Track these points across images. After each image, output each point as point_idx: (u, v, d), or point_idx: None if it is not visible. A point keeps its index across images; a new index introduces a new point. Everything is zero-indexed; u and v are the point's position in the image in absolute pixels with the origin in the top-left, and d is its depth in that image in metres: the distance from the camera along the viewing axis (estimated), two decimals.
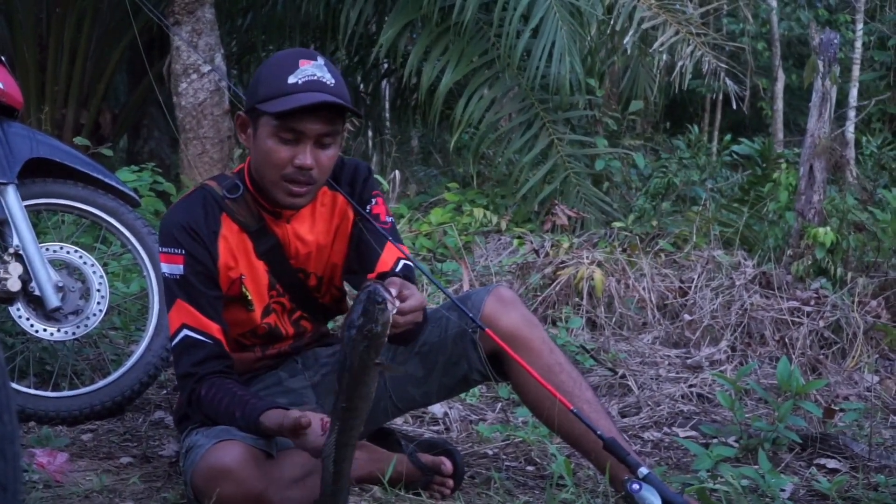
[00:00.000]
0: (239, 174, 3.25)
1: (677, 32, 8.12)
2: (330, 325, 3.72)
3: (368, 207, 3.30)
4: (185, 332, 3.11)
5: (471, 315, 3.20)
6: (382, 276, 3.16)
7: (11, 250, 3.98)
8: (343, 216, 3.31)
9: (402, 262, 3.26)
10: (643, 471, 2.88)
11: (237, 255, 3.20)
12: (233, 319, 3.24)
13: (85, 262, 4.17)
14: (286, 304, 3.34)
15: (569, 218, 7.24)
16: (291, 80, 3.00)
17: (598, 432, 3.03)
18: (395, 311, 2.66)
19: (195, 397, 3.09)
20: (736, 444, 3.93)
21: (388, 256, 3.26)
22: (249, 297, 3.24)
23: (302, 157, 3.03)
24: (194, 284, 3.12)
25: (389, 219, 3.35)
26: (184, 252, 3.11)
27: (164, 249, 3.14)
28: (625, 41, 8.45)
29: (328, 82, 3.03)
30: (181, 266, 3.11)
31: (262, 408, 2.95)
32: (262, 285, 3.26)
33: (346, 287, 3.43)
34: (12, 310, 4.02)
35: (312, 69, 3.03)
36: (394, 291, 2.72)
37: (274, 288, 3.29)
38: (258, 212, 3.21)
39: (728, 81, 8.46)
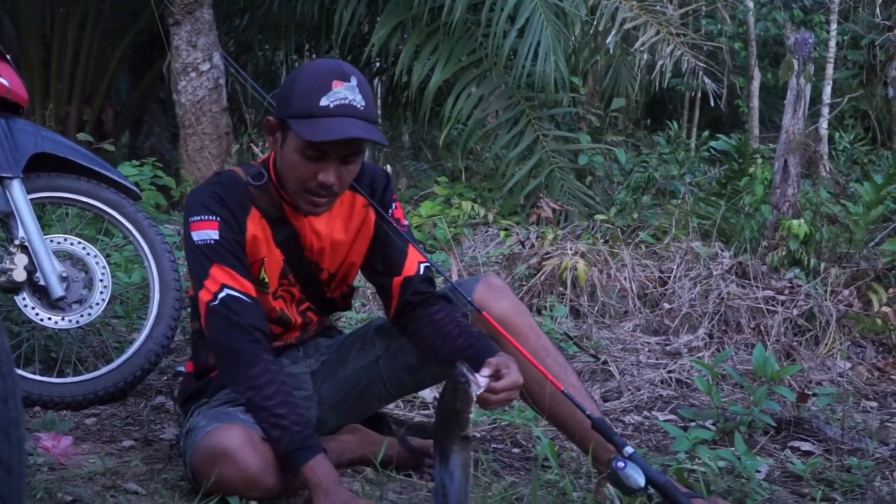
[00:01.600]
0: (264, 164, 3.21)
1: (658, 33, 8.13)
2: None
3: (389, 212, 3.29)
4: (227, 291, 3.02)
5: (472, 303, 3.20)
6: (408, 282, 3.24)
7: (17, 242, 3.96)
8: (363, 217, 3.29)
9: (422, 267, 3.28)
10: (628, 450, 2.88)
11: (260, 237, 3.15)
12: None
13: (88, 254, 4.16)
14: (296, 294, 3.33)
15: (553, 211, 7.24)
16: (323, 102, 2.93)
17: (587, 412, 3.04)
18: (481, 390, 2.79)
19: (240, 355, 3.00)
20: (713, 428, 3.94)
21: (412, 261, 3.27)
22: (267, 280, 3.21)
23: (325, 176, 2.99)
24: (230, 248, 3.05)
25: (406, 223, 3.35)
26: (218, 218, 3.04)
27: (196, 218, 3.05)
28: (607, 41, 8.45)
29: (359, 105, 2.96)
30: (216, 231, 3.03)
31: (315, 448, 2.91)
32: (275, 272, 3.24)
33: (358, 283, 3.42)
34: (18, 299, 4.01)
35: (345, 92, 2.95)
36: (486, 371, 2.84)
37: (286, 277, 3.26)
38: (279, 202, 3.18)
39: (706, 80, 8.47)
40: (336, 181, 3.02)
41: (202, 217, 3.06)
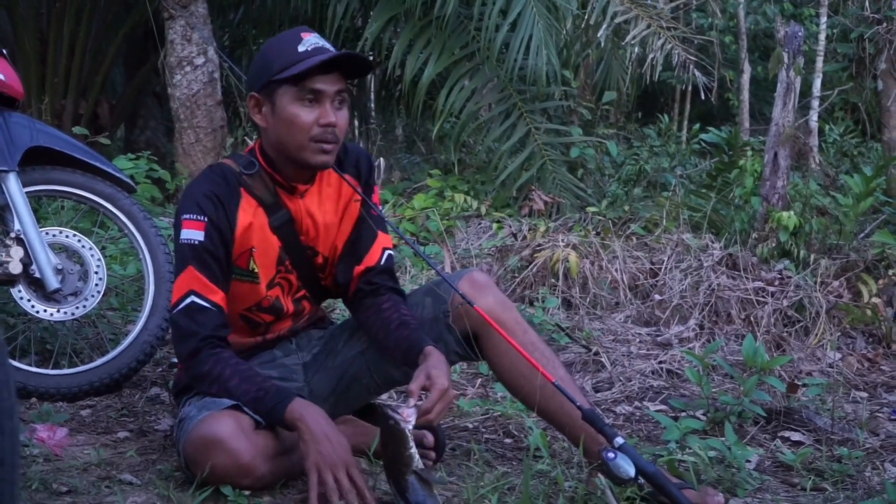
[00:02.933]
0: (252, 153, 3.27)
1: (649, 26, 8.12)
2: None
3: (371, 196, 3.35)
4: (192, 297, 3.09)
5: (464, 296, 3.21)
6: (368, 271, 3.33)
7: (13, 235, 3.97)
8: (349, 199, 3.35)
9: (385, 255, 3.37)
10: (619, 440, 2.88)
11: (254, 226, 3.21)
12: (239, 292, 3.24)
13: (83, 246, 4.16)
14: (293, 281, 3.36)
15: (545, 203, 7.24)
16: (301, 48, 3.09)
17: (578, 403, 3.03)
18: (412, 421, 2.83)
19: (199, 359, 3.08)
20: (703, 418, 3.94)
21: (376, 249, 3.36)
22: (256, 270, 3.25)
23: (325, 116, 3.09)
24: (210, 251, 3.11)
25: (381, 206, 3.40)
26: (206, 219, 3.11)
27: (187, 216, 3.13)
28: (598, 35, 8.45)
29: (330, 48, 3.12)
30: (202, 233, 3.10)
31: (286, 396, 2.98)
32: (271, 259, 3.27)
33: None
34: (14, 291, 4.01)
35: (315, 39, 3.13)
36: (411, 401, 2.89)
37: (283, 263, 3.30)
38: (273, 187, 3.23)
39: (697, 73, 8.45)
40: (335, 120, 3.11)
41: (192, 216, 3.13)
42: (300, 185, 3.25)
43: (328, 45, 3.12)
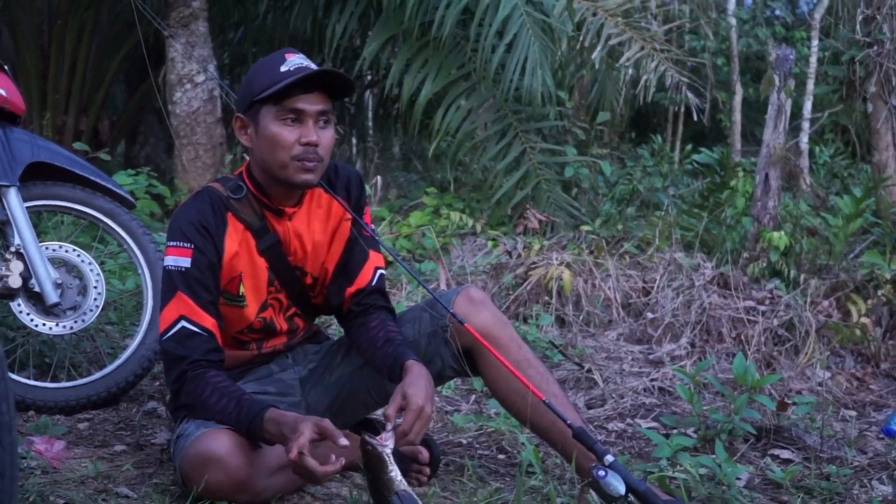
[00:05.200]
0: (239, 176, 3.26)
1: (642, 48, 8.14)
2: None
3: (362, 216, 3.35)
4: (183, 323, 3.07)
5: (452, 312, 3.22)
6: (360, 293, 3.32)
7: (13, 249, 3.96)
8: (339, 220, 3.34)
9: (377, 275, 3.36)
10: (609, 458, 2.88)
11: (241, 253, 3.20)
12: (229, 316, 3.24)
13: (83, 261, 4.15)
14: (283, 300, 3.35)
15: (540, 221, 7.23)
16: (284, 68, 3.07)
17: (568, 421, 3.03)
18: (390, 445, 2.83)
19: (185, 381, 3.06)
20: (694, 435, 3.93)
21: (368, 270, 3.35)
22: (243, 294, 3.23)
23: (307, 135, 3.07)
24: (197, 278, 3.10)
25: (372, 225, 3.39)
26: (193, 247, 3.10)
27: (173, 244, 3.12)
28: (593, 56, 8.46)
29: (315, 67, 3.09)
30: (188, 260, 3.09)
31: (263, 405, 2.95)
32: (261, 281, 3.26)
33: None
34: (13, 305, 4.01)
35: (299, 59, 3.11)
36: (389, 425, 2.89)
37: (273, 284, 3.29)
38: (261, 210, 3.22)
39: (690, 94, 8.48)
40: (318, 140, 3.08)
41: (178, 243, 3.13)
42: (288, 207, 3.23)
43: (312, 66, 3.10)
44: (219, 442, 2.92)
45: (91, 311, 4.12)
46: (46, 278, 3.98)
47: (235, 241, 3.19)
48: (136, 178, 6.85)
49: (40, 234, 4.34)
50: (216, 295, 3.16)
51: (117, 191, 4.30)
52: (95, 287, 4.14)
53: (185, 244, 3.10)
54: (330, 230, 3.33)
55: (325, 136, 3.11)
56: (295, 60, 3.09)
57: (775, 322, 5.35)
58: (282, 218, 3.23)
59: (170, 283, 3.12)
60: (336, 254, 3.34)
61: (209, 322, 3.11)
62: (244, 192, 3.20)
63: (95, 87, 9.06)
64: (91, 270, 4.15)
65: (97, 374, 4.13)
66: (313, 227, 3.30)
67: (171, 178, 7.98)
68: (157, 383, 4.46)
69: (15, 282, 3.95)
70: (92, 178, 4.22)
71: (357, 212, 3.33)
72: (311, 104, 3.07)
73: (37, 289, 3.97)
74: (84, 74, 8.90)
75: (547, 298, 5.75)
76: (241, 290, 3.23)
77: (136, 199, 6.30)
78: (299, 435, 2.80)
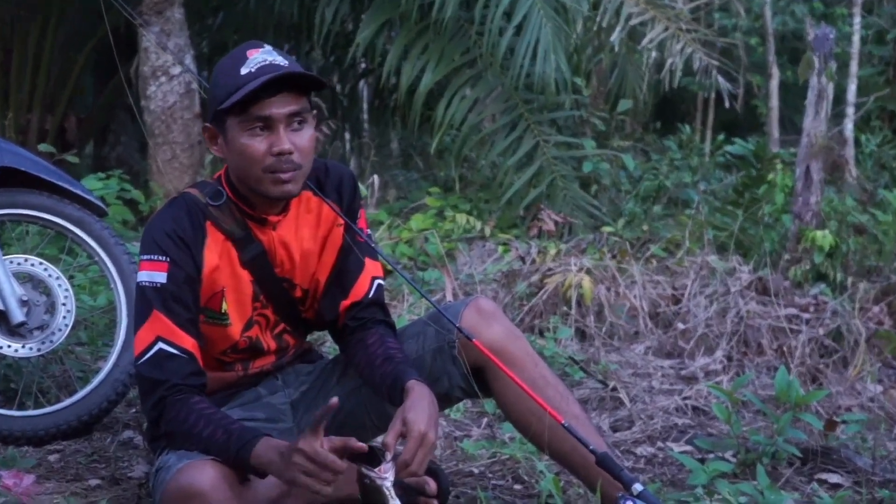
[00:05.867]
0: (218, 181, 3.23)
1: (666, 28, 8.13)
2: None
3: (356, 221, 3.31)
4: (160, 345, 3.05)
5: (461, 329, 3.19)
6: (355, 306, 3.30)
7: None
8: (331, 226, 3.30)
9: (375, 286, 3.33)
10: (637, 487, 2.87)
11: (221, 265, 3.17)
12: (211, 335, 3.22)
13: (50, 275, 4.16)
14: (270, 316, 3.32)
15: (556, 223, 7.23)
16: (244, 71, 3.01)
17: (591, 447, 3.02)
18: (390, 477, 2.86)
19: (165, 408, 3.04)
20: (733, 459, 3.93)
21: (364, 281, 3.32)
22: (226, 311, 3.22)
23: (278, 144, 3.01)
24: (175, 295, 3.07)
25: (368, 231, 3.36)
26: (168, 260, 3.07)
27: (147, 257, 3.09)
28: (612, 38, 8.44)
29: (281, 64, 3.03)
30: (164, 274, 3.06)
31: (255, 433, 2.94)
32: (245, 296, 3.24)
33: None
34: None
35: (262, 55, 3.04)
36: (388, 455, 2.87)
37: (258, 299, 3.26)
38: (243, 219, 3.19)
39: (720, 79, 8.47)
40: (292, 147, 3.03)
41: (152, 256, 3.10)
42: (271, 216, 3.20)
43: (278, 60, 3.04)
44: (203, 475, 2.90)
45: (60, 330, 4.12)
46: (11, 295, 3.98)
47: (216, 252, 3.16)
48: (106, 182, 6.85)
49: (4, 245, 4.35)
50: (196, 312, 3.14)
51: (87, 197, 4.30)
52: (64, 304, 4.14)
53: (160, 257, 3.08)
54: (320, 237, 3.30)
55: (302, 139, 3.06)
56: (257, 58, 3.03)
57: (821, 331, 5.35)
58: (265, 227, 3.20)
59: (144, 301, 3.09)
60: (328, 263, 3.32)
61: (189, 342, 3.09)
62: (224, 199, 3.18)
63: (62, 82, 9.07)
64: (59, 286, 4.15)
65: (67, 401, 4.13)
66: (301, 233, 3.27)
67: (146, 182, 8.00)
68: (134, 410, 4.45)
69: None
70: (59, 183, 4.23)
71: (350, 216, 3.30)
72: (279, 107, 3.01)
73: (0, 307, 3.97)
74: (49, 69, 8.91)
75: (565, 309, 5.74)
76: (224, 306, 3.20)
77: (108, 205, 6.29)
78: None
